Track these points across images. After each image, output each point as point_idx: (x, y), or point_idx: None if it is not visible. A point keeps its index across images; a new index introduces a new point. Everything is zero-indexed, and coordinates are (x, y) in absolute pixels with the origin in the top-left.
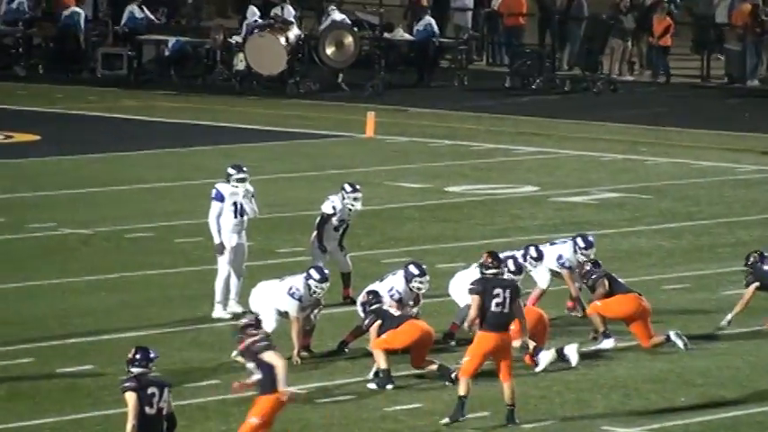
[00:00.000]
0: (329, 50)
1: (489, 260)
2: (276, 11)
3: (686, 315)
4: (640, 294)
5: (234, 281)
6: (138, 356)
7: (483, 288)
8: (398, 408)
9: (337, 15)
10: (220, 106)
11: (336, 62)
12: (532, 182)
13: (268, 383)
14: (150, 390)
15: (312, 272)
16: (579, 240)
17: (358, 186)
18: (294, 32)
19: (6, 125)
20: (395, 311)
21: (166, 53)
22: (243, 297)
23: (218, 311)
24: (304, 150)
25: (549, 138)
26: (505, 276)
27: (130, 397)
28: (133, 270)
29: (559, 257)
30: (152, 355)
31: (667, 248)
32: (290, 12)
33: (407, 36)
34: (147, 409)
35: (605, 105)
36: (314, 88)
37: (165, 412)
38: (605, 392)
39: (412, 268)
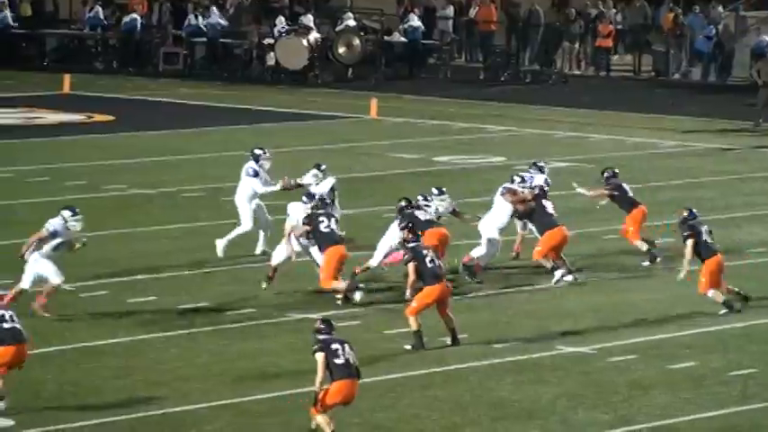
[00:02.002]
0: (341, 50)
1: (409, 235)
2: (301, 19)
3: (620, 259)
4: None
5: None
6: (322, 326)
7: (414, 256)
8: (396, 330)
9: (351, 21)
10: (255, 94)
11: (347, 59)
12: (500, 154)
13: None
14: (334, 346)
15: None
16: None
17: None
18: (314, 36)
19: (88, 108)
20: (423, 215)
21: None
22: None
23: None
24: (321, 128)
25: (513, 119)
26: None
27: (319, 356)
28: (187, 222)
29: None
30: (333, 325)
31: (606, 207)
32: (310, 20)
33: (403, 38)
34: (336, 360)
35: (558, 94)
36: (329, 80)
37: (352, 361)
38: (559, 319)
39: (433, 190)
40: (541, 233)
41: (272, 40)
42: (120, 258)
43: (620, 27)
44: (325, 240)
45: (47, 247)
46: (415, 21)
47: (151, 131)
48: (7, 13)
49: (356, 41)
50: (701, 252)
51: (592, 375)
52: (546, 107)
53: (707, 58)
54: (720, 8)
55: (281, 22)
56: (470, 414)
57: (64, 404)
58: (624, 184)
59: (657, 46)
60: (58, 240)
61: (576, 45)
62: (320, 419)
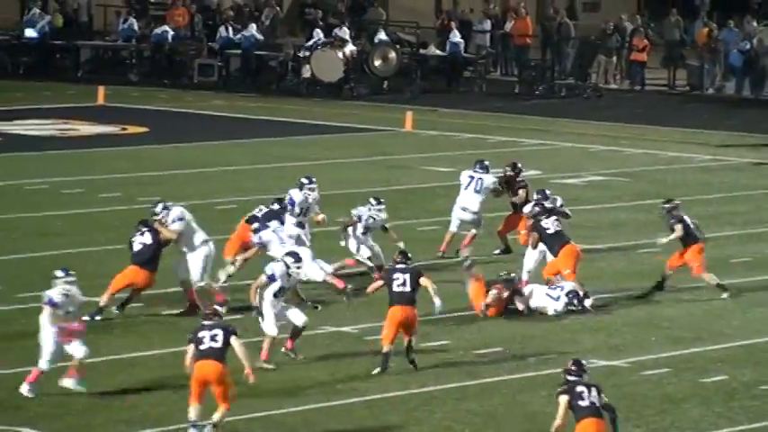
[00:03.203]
0: (377, 63)
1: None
2: (336, 31)
3: (655, 273)
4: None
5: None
6: (573, 368)
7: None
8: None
9: (383, 36)
10: (290, 106)
11: (383, 72)
12: (536, 167)
13: None
14: (579, 388)
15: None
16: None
17: None
18: (349, 48)
19: (122, 120)
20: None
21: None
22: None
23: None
24: (356, 141)
25: (549, 132)
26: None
27: (562, 399)
28: (222, 234)
29: None
30: (585, 366)
31: (641, 221)
32: (345, 32)
33: (438, 52)
34: (581, 402)
35: (593, 108)
36: (365, 92)
37: (598, 404)
38: (592, 333)
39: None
40: (555, 254)
41: (307, 53)
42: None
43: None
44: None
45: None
46: (456, 36)
47: (185, 143)
48: (45, 23)
49: (392, 54)
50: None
51: (624, 388)
52: (581, 121)
53: (741, 72)
54: (755, 23)
55: (317, 34)
56: (504, 427)
57: (95, 417)
58: (686, 217)
59: (692, 60)
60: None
61: (613, 59)
62: None
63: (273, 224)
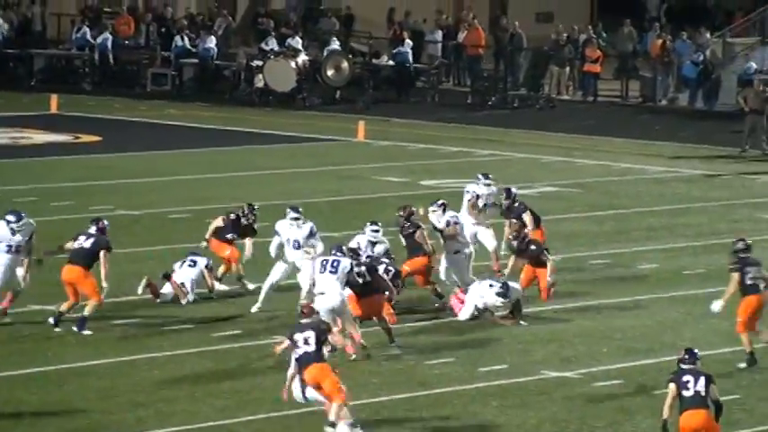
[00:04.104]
0: (329, 72)
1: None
2: (288, 41)
3: (607, 284)
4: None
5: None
6: (686, 356)
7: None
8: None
9: (336, 45)
10: (243, 116)
11: (335, 82)
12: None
13: None
14: (685, 378)
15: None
16: None
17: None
18: (302, 58)
19: (75, 128)
20: None
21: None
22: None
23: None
24: (309, 151)
25: (501, 143)
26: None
27: (671, 387)
28: (174, 244)
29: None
30: (697, 355)
31: (593, 232)
32: (298, 42)
33: (391, 62)
34: (685, 393)
35: (546, 119)
36: (317, 102)
37: (704, 394)
38: (544, 343)
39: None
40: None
41: (260, 62)
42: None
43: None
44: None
45: None
46: (405, 46)
47: (138, 152)
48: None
49: (344, 64)
50: (744, 288)
51: (576, 400)
52: (533, 132)
53: (694, 84)
54: (708, 35)
55: (272, 42)
56: None
57: (46, 425)
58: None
59: (645, 71)
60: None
61: (566, 70)
62: None
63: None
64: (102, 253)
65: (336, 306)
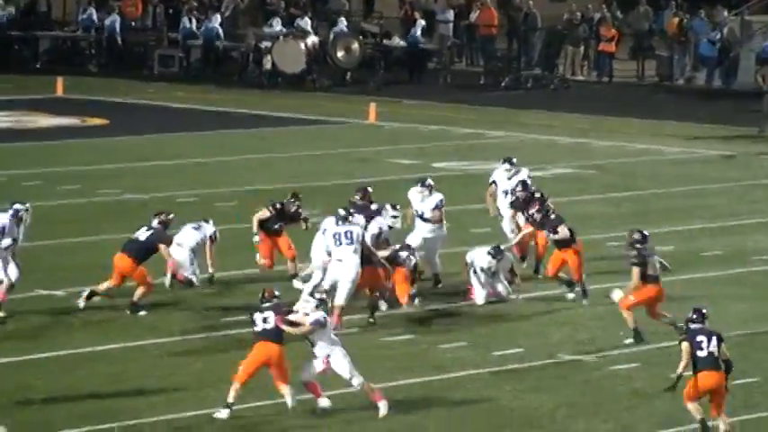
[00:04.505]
0: (340, 54)
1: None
2: (297, 21)
3: (624, 267)
4: None
5: None
6: (694, 316)
7: None
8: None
9: (343, 25)
10: (252, 98)
11: (345, 63)
12: (501, 160)
13: None
14: (699, 338)
15: None
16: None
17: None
18: (312, 39)
19: (82, 111)
20: None
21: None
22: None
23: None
24: (319, 133)
25: (514, 124)
26: None
27: (684, 346)
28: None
29: None
30: (706, 314)
31: (610, 214)
32: (307, 23)
33: (402, 42)
34: (699, 353)
35: (560, 99)
36: (327, 84)
37: (717, 354)
38: (559, 326)
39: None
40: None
41: (269, 44)
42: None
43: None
44: None
45: None
46: (417, 27)
47: (146, 135)
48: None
49: (355, 45)
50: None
51: (593, 384)
52: (548, 112)
53: (711, 63)
54: (725, 12)
55: (277, 23)
56: (469, 422)
57: (55, 411)
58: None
59: (661, 51)
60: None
61: (581, 49)
62: (690, 407)
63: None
64: (162, 247)
65: (353, 277)
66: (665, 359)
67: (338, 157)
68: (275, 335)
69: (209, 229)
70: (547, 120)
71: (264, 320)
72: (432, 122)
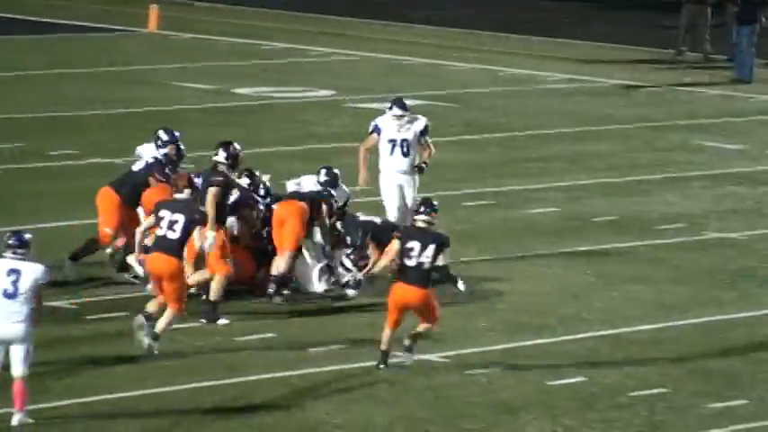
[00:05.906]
0: None
1: None
2: None
3: (489, 234)
4: None
5: None
6: (422, 209)
7: None
8: None
9: None
10: None
11: None
12: (328, 85)
13: None
14: (410, 244)
15: None
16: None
17: None
18: None
19: None
20: None
21: None
22: None
23: None
24: (79, 45)
25: (348, 39)
26: None
27: (395, 245)
28: None
29: None
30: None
31: (472, 162)
32: None
33: None
34: (407, 261)
35: (409, 5)
36: None
37: (425, 267)
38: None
39: None
40: None
41: None
42: None
43: None
44: None
45: None
46: None
47: None
48: None
49: None
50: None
51: (441, 393)
52: (392, 23)
53: None
54: None
55: None
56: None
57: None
58: None
59: None
60: None
61: None
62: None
63: None
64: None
65: None
66: (540, 362)
67: (108, 77)
68: None
69: None
70: (393, 33)
71: None
72: (234, 34)
